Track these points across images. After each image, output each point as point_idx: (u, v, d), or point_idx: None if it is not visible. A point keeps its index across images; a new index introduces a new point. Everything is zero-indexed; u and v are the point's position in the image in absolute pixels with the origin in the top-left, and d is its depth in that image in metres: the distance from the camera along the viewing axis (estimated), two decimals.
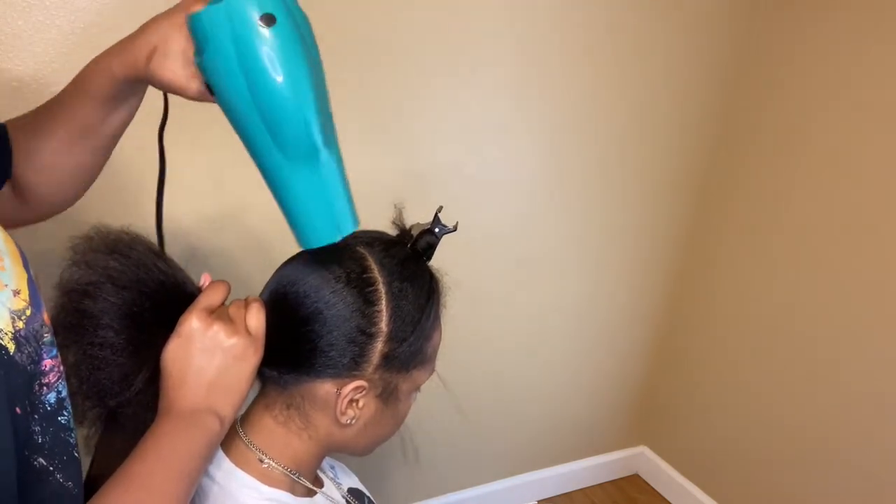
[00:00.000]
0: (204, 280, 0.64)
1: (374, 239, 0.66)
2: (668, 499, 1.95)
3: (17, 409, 0.45)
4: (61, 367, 0.50)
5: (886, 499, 1.38)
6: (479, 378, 1.65)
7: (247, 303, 0.63)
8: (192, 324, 0.57)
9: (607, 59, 1.44)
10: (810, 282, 1.48)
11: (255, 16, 0.49)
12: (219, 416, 0.57)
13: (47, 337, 0.49)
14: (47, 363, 0.49)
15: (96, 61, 0.61)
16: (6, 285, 0.46)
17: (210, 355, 0.57)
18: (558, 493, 1.95)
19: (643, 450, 2.04)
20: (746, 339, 1.66)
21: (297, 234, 0.61)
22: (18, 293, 0.47)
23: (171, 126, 0.70)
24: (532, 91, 1.39)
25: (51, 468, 0.49)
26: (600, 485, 2.01)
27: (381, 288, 0.62)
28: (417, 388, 0.70)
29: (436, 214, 0.66)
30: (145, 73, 0.57)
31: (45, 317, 0.50)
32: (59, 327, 0.55)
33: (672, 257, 1.78)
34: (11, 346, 0.45)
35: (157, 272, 0.59)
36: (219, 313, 0.60)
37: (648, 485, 2.02)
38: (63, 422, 0.50)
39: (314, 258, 0.63)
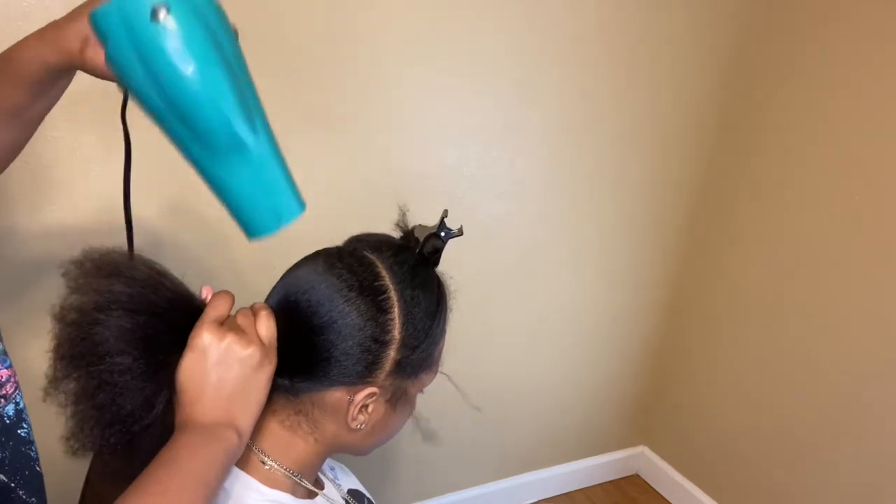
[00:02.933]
0: (206, 293, 0.62)
1: (380, 243, 0.65)
2: (668, 499, 1.94)
3: None
4: (16, 378, 0.48)
5: (885, 499, 1.38)
6: (479, 378, 1.64)
7: (254, 310, 0.62)
8: (205, 338, 0.56)
9: (610, 59, 1.43)
10: (811, 283, 1.47)
11: (147, 7, 0.47)
12: (237, 430, 0.56)
13: None
14: (3, 373, 0.47)
15: (27, 45, 0.58)
16: None
17: (227, 368, 0.56)
18: (558, 493, 1.95)
19: (643, 450, 2.04)
20: (746, 339, 1.65)
21: (242, 227, 0.59)
22: None
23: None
24: (534, 92, 1.39)
25: (12, 485, 0.46)
26: (600, 485, 2.00)
27: (394, 296, 0.61)
28: (421, 390, 0.70)
29: (441, 218, 0.66)
30: (80, 62, 0.55)
31: None
32: (65, 358, 0.53)
33: (672, 258, 1.78)
34: None
35: (165, 290, 0.58)
36: (229, 324, 0.59)
37: (648, 485, 2.01)
38: (23, 435, 0.48)
39: (324, 264, 0.62)
